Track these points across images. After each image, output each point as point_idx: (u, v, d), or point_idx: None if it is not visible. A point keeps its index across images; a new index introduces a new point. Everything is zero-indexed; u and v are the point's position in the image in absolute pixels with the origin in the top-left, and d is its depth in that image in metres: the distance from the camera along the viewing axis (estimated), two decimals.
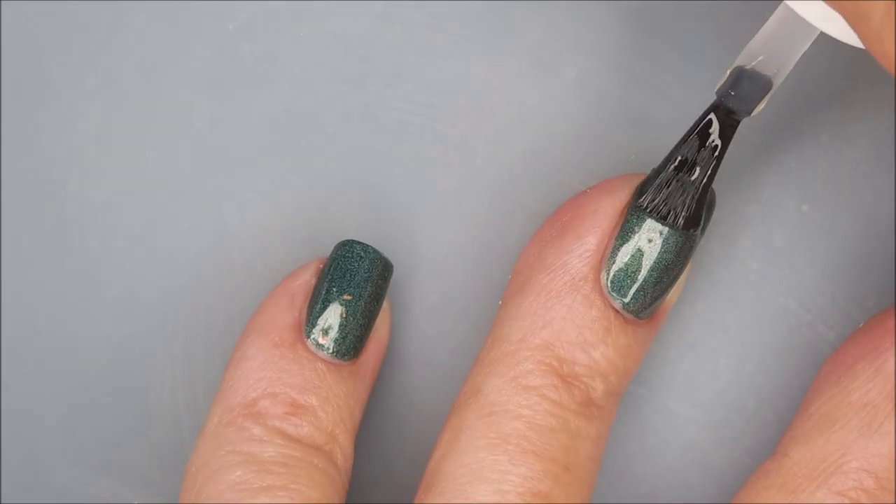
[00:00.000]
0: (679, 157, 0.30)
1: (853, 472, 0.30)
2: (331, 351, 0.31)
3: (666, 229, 0.30)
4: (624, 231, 0.30)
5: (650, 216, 0.30)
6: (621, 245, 0.30)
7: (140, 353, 0.34)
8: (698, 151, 0.30)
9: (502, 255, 0.33)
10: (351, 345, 0.31)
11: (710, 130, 0.30)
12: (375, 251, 0.31)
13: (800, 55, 0.29)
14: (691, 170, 0.30)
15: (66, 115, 0.35)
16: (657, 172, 0.30)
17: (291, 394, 0.30)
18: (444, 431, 0.30)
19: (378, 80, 0.34)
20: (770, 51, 0.29)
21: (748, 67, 0.29)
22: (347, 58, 0.34)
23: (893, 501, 0.30)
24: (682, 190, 0.30)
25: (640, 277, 0.30)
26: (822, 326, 0.33)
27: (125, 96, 0.35)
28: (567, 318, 0.30)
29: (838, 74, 0.33)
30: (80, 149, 0.35)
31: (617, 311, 0.30)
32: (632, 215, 0.30)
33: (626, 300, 0.30)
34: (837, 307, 0.31)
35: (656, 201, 0.30)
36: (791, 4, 0.28)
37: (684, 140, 0.30)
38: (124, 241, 0.34)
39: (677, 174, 0.30)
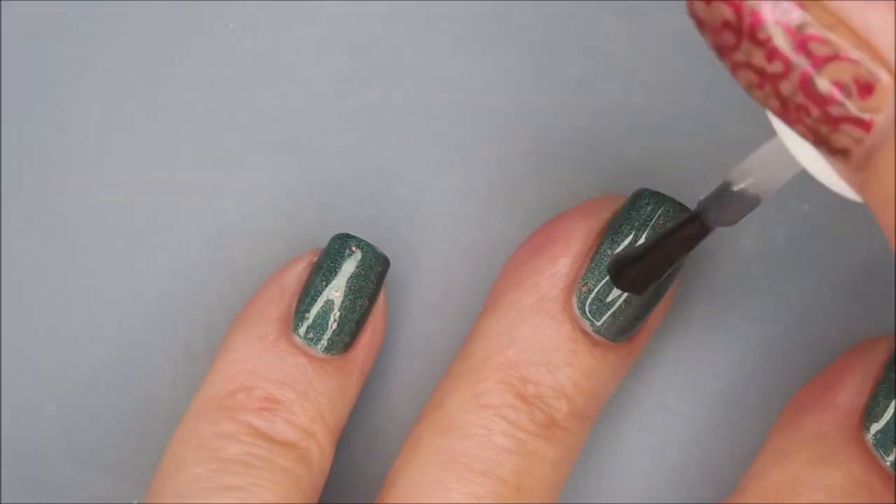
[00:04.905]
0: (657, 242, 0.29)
1: (804, 502, 0.29)
2: (317, 344, 0.31)
3: None
4: (598, 255, 0.30)
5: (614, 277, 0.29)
6: (595, 268, 0.30)
7: (140, 353, 0.34)
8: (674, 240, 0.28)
9: (502, 255, 0.33)
10: (339, 340, 0.31)
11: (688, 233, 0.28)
12: (370, 246, 0.31)
13: (791, 176, 0.28)
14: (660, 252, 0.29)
15: (66, 115, 0.35)
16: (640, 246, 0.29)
17: (268, 388, 0.30)
18: (406, 441, 0.30)
19: (378, 80, 0.34)
20: (761, 177, 0.27)
21: (736, 189, 0.27)
22: (347, 58, 0.34)
23: None
24: (647, 266, 0.29)
25: (614, 303, 0.30)
26: (823, 326, 0.33)
27: (125, 96, 0.35)
28: (532, 339, 0.30)
29: None
30: (80, 149, 0.35)
31: (586, 333, 0.30)
32: (604, 241, 0.30)
33: (598, 323, 0.30)
34: (838, 307, 0.31)
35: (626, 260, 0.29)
36: (790, 147, 0.26)
37: (667, 234, 0.28)
38: (124, 241, 0.34)
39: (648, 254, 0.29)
